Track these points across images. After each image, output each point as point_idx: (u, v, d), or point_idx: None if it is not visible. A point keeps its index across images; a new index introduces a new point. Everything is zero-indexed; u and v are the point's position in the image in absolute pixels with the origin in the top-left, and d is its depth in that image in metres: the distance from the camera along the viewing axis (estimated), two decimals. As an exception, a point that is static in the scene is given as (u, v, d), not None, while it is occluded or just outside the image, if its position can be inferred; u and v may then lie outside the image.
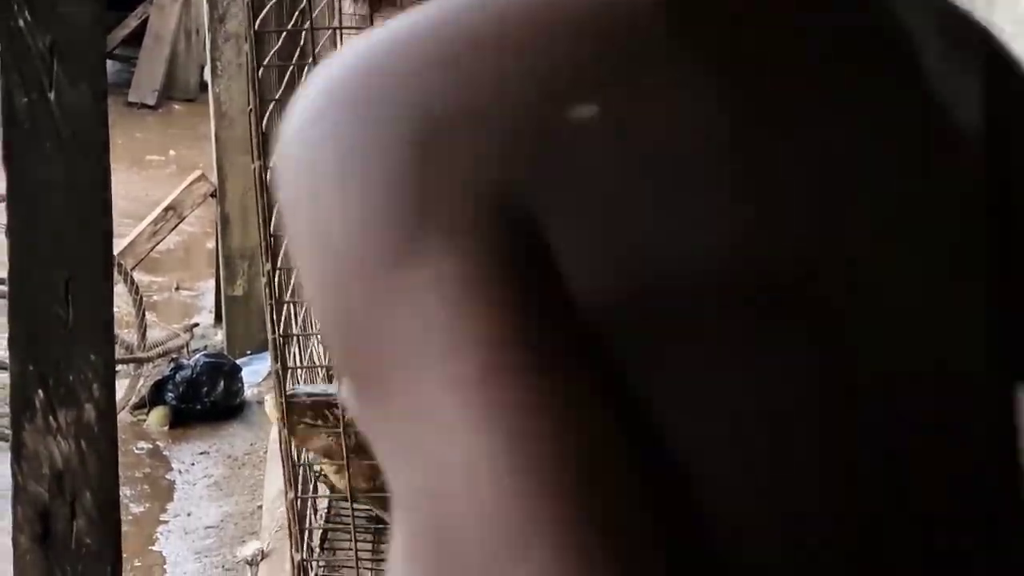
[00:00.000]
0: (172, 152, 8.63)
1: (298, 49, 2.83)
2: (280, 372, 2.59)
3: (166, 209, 5.92)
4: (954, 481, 0.75)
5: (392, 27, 0.69)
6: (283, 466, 2.77)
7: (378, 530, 3.00)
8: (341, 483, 2.82)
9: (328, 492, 3.14)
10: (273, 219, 2.50)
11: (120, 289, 4.50)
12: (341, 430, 2.63)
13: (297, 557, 2.85)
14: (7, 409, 2.21)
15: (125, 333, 5.14)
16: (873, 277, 0.73)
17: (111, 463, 2.17)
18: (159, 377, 5.12)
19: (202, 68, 8.48)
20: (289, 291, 2.86)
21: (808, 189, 0.72)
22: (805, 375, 0.70)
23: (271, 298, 2.61)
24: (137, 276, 5.43)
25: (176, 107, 9.66)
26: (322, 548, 3.14)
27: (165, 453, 4.91)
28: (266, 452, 4.52)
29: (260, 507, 4.27)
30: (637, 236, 0.66)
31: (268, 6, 2.75)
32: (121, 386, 4.67)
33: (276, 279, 2.61)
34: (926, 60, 0.79)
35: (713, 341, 0.68)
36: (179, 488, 4.66)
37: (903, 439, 0.73)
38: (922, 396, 0.75)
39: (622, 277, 0.66)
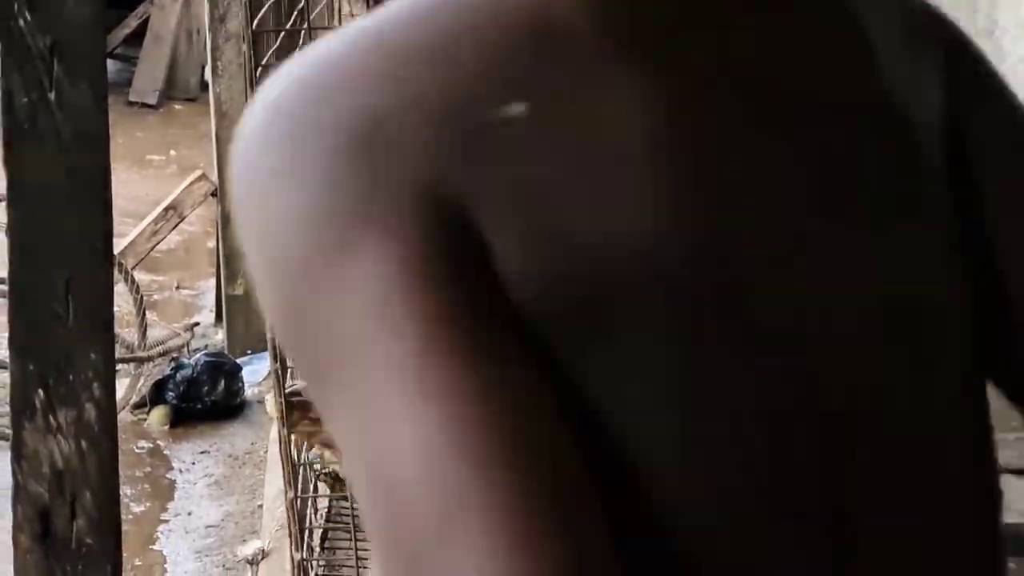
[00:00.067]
0: (173, 152, 8.63)
1: (297, 49, 2.83)
2: (280, 371, 2.59)
3: (167, 208, 5.92)
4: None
5: (332, 39, 0.73)
6: (283, 466, 2.77)
7: (378, 529, 2.99)
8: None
9: (328, 492, 3.15)
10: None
11: (121, 288, 4.50)
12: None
13: (297, 556, 2.85)
14: (7, 409, 2.21)
15: (126, 332, 5.13)
16: (813, 270, 0.75)
17: (111, 462, 2.17)
18: (160, 376, 5.11)
19: (203, 68, 8.47)
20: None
21: (742, 183, 0.73)
22: (737, 365, 0.72)
23: (271, 298, 2.60)
24: (138, 275, 5.43)
25: (177, 106, 9.66)
26: (322, 548, 3.15)
27: (166, 452, 4.91)
28: (266, 451, 4.53)
29: (260, 506, 4.28)
30: (562, 226, 0.69)
31: (266, 6, 2.75)
32: (121, 385, 4.67)
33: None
34: (883, 52, 0.80)
35: (643, 330, 0.69)
36: (179, 487, 4.66)
37: (851, 442, 0.75)
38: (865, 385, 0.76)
39: (548, 266, 0.69)
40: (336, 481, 3.06)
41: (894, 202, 0.78)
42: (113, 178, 2.10)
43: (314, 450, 2.91)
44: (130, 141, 8.29)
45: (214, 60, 5.65)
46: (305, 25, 2.61)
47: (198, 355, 5.27)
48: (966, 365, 0.81)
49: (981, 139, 0.84)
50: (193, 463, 4.81)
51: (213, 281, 6.07)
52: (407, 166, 0.68)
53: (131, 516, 4.33)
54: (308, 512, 3.03)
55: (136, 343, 5.23)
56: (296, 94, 0.71)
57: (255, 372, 5.27)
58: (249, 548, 3.95)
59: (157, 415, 5.05)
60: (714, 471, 0.71)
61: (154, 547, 4.29)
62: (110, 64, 8.20)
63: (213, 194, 5.78)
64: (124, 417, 4.70)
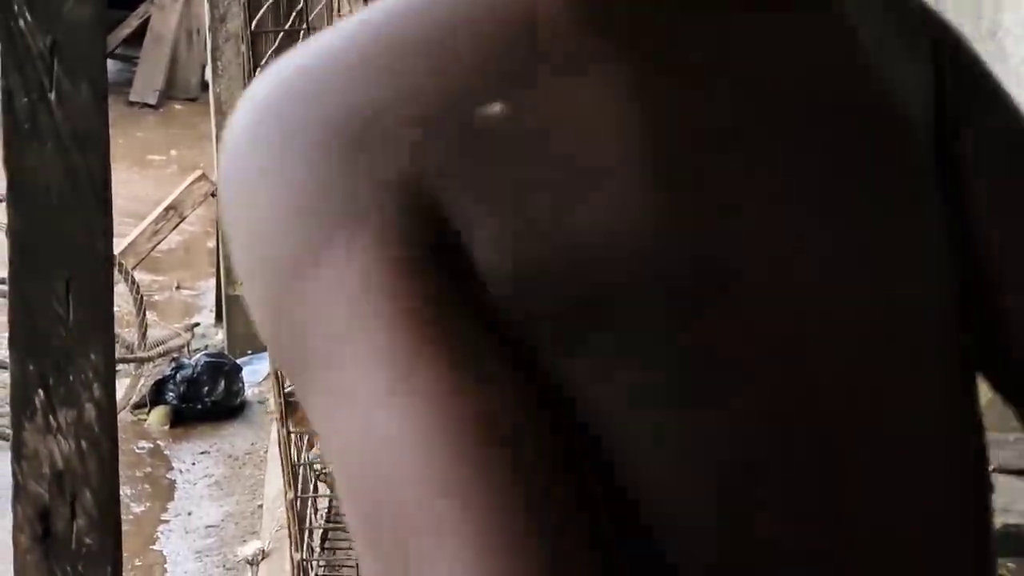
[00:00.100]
0: (173, 152, 8.62)
1: (297, 49, 2.83)
2: (280, 371, 2.59)
3: (167, 208, 5.92)
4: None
5: (314, 42, 0.74)
6: (282, 466, 2.77)
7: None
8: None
9: (328, 492, 3.15)
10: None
11: (121, 288, 4.50)
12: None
13: (297, 557, 2.85)
14: (7, 409, 2.21)
15: (126, 332, 5.14)
16: (812, 270, 0.75)
17: (111, 463, 2.17)
18: (160, 376, 5.12)
19: (203, 68, 8.48)
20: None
21: (741, 182, 0.74)
22: (736, 365, 0.72)
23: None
24: (138, 275, 5.43)
25: (177, 107, 9.66)
26: (322, 548, 3.15)
27: (166, 452, 4.91)
28: (266, 452, 4.53)
29: (261, 506, 4.28)
30: (554, 226, 0.69)
31: (264, 7, 2.75)
32: (122, 385, 4.67)
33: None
34: (880, 52, 0.81)
35: (640, 329, 0.70)
36: (180, 487, 4.66)
37: (835, 433, 0.75)
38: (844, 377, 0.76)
39: (537, 265, 0.69)
40: (336, 481, 3.05)
41: (893, 201, 0.78)
42: (113, 178, 2.10)
43: (314, 450, 2.91)
44: (130, 141, 8.29)
45: (214, 60, 5.65)
46: (304, 26, 2.61)
47: (198, 355, 5.27)
48: (960, 364, 0.81)
49: (976, 139, 0.84)
50: (193, 463, 4.81)
51: (213, 281, 6.07)
52: (391, 164, 0.69)
53: (131, 516, 4.33)
54: (308, 512, 3.03)
55: (136, 343, 5.23)
56: (285, 92, 0.72)
57: (255, 372, 5.27)
58: (249, 548, 3.95)
59: (157, 415, 5.05)
60: (712, 470, 0.71)
61: (154, 547, 4.29)
62: (110, 64, 8.21)
63: (213, 194, 5.78)
64: (124, 417, 4.70)
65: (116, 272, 3.93)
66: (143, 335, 5.25)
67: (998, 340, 0.84)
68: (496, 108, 0.70)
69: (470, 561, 0.62)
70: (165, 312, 6.12)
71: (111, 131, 2.12)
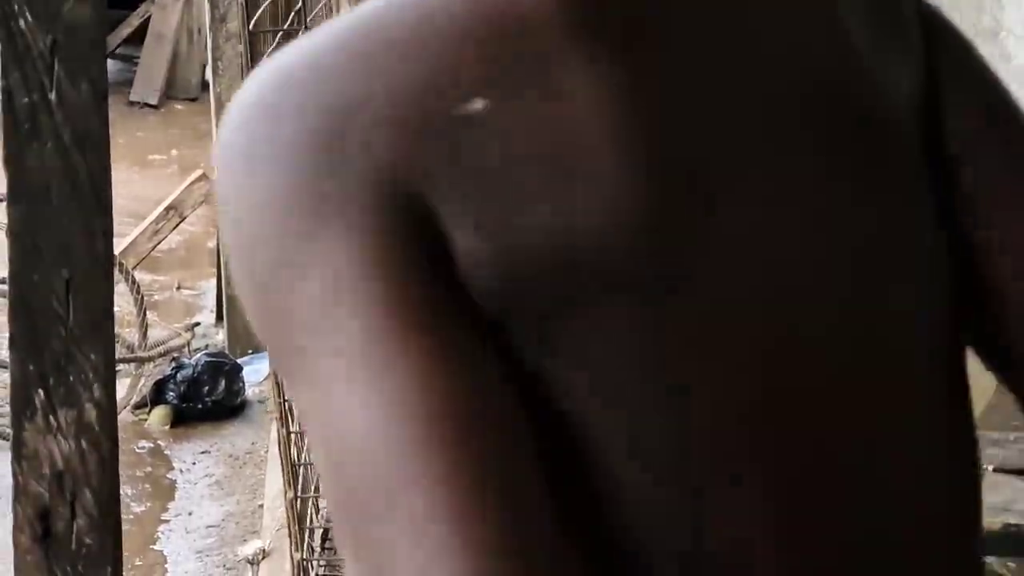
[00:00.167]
0: (174, 151, 8.62)
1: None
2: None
3: (167, 208, 5.92)
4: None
5: (301, 41, 0.77)
6: (283, 466, 2.77)
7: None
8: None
9: (328, 491, 3.14)
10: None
11: (121, 288, 4.50)
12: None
13: (297, 556, 2.85)
14: (7, 409, 2.21)
15: (126, 332, 5.14)
16: (784, 249, 0.75)
17: (112, 463, 2.17)
18: (160, 376, 5.12)
19: (204, 67, 8.48)
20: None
21: (717, 185, 0.74)
22: (708, 346, 0.73)
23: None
24: (138, 275, 5.43)
25: (178, 106, 9.65)
26: (322, 547, 3.15)
27: (166, 452, 4.91)
28: (267, 451, 4.53)
29: (261, 506, 4.27)
30: (526, 217, 0.71)
31: (263, 7, 2.75)
32: (122, 385, 4.67)
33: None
34: (863, 34, 0.81)
35: (601, 325, 0.71)
36: (180, 487, 4.66)
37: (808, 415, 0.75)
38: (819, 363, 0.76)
39: (511, 256, 0.71)
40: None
41: (885, 204, 0.78)
42: (114, 178, 2.10)
43: (314, 450, 2.90)
44: (131, 141, 8.29)
45: (215, 60, 5.65)
46: (302, 26, 2.61)
47: (199, 355, 5.27)
48: (954, 365, 0.81)
49: (969, 141, 0.84)
50: (194, 463, 4.81)
51: (214, 281, 6.07)
52: (368, 161, 0.71)
53: (131, 516, 4.33)
54: (308, 512, 3.03)
55: (137, 343, 5.23)
56: (277, 87, 0.74)
57: (256, 372, 5.27)
58: (250, 548, 3.95)
59: (158, 415, 5.05)
60: (688, 468, 0.72)
61: (154, 547, 4.29)
62: (111, 64, 8.21)
63: (214, 194, 5.77)
64: (125, 417, 4.70)
65: (116, 272, 3.93)
66: (143, 335, 5.25)
67: (998, 341, 0.84)
68: (476, 105, 0.72)
69: (433, 552, 0.65)
70: (165, 312, 6.12)
71: (111, 131, 2.12)
